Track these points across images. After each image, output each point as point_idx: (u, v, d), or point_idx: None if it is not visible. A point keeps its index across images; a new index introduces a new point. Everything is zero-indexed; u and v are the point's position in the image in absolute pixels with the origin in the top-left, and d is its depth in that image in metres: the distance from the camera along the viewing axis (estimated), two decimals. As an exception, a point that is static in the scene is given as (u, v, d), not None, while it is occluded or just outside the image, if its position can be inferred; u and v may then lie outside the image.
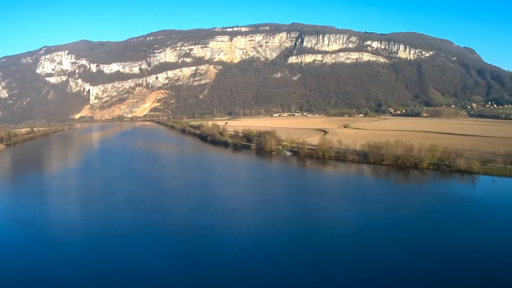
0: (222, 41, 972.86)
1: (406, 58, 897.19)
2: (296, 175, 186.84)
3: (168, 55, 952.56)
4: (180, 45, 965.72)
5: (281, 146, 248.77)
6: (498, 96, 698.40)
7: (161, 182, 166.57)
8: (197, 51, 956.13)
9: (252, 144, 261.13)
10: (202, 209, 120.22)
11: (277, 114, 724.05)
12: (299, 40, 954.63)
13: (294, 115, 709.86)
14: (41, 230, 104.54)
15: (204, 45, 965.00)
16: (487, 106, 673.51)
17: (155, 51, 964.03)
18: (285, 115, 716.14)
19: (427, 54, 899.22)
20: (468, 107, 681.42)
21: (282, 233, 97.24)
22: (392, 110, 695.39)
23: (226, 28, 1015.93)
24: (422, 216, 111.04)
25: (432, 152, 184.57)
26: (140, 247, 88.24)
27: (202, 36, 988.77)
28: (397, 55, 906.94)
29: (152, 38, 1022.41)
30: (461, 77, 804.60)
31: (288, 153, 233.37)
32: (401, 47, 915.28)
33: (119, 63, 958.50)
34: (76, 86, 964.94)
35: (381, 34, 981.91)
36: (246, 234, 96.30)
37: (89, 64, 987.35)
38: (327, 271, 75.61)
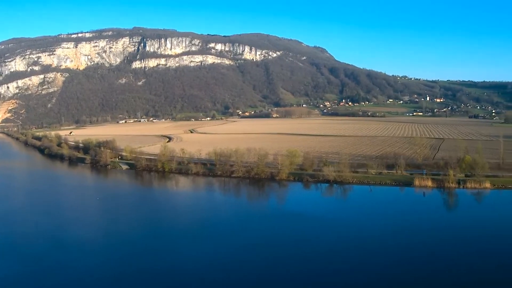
0: (68, 47, 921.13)
1: (253, 59, 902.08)
2: (126, 198, 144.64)
3: (18, 64, 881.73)
4: (29, 53, 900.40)
5: (119, 158, 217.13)
6: (353, 94, 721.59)
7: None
8: (45, 58, 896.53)
9: (87, 157, 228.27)
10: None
11: (123, 121, 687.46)
12: (142, 44, 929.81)
13: (140, 121, 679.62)
14: None
15: (51, 53, 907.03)
16: (341, 104, 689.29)
17: (6, 60, 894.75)
18: (131, 121, 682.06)
19: (275, 55, 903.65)
20: (321, 106, 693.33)
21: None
22: (240, 112, 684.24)
23: (71, 34, 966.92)
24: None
25: (291, 159, 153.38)
26: None
27: (49, 43, 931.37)
28: (243, 57, 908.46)
29: (3, 46, 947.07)
30: (312, 76, 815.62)
31: (125, 167, 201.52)
32: (247, 48, 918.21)
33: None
34: None
35: (224, 36, 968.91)
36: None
37: None
38: None
